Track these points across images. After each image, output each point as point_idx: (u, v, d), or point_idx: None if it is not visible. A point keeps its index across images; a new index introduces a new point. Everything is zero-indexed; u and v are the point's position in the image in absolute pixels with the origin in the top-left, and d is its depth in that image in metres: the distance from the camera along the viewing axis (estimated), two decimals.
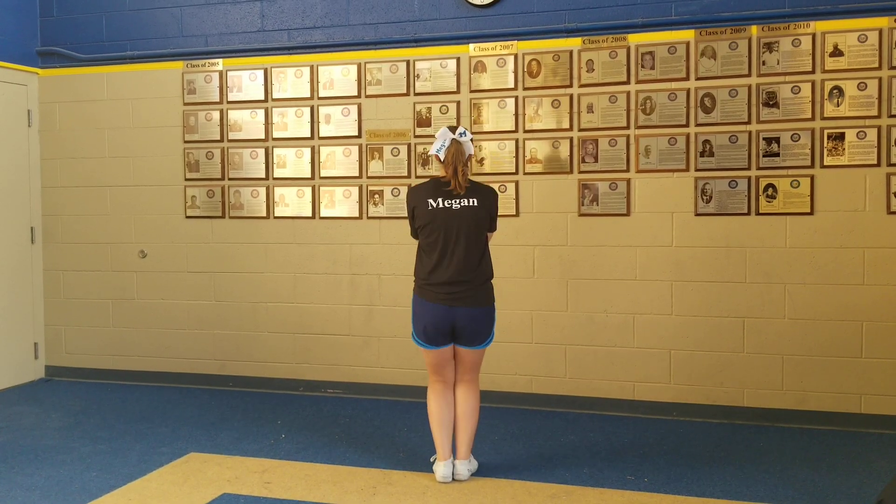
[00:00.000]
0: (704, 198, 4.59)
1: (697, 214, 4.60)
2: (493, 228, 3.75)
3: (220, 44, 5.40)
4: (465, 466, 3.70)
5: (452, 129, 3.66)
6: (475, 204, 3.62)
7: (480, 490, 3.55)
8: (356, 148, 5.15)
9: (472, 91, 4.94)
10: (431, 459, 3.88)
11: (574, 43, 4.77)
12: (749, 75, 4.51)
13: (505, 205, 4.85)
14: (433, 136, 3.74)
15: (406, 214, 3.82)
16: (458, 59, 4.95)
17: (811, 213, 4.43)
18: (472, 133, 4.89)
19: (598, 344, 4.78)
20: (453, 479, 3.67)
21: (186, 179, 5.48)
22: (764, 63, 4.48)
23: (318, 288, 5.25)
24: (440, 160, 3.66)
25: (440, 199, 3.62)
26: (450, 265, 3.60)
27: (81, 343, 5.74)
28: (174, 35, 5.48)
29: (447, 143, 3.62)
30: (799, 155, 4.44)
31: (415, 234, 3.76)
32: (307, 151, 5.24)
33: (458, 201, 3.61)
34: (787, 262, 4.47)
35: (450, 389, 3.77)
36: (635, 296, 4.71)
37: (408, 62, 5.04)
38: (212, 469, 3.85)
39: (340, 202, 5.19)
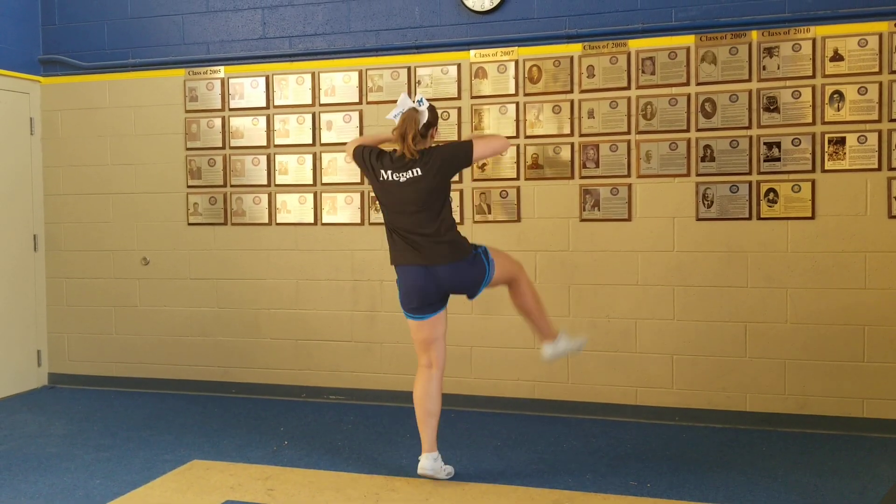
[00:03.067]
0: (706, 202, 4.59)
1: (699, 219, 4.61)
2: (468, 158, 3.64)
3: (221, 51, 5.42)
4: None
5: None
6: (419, 174, 3.59)
7: (483, 496, 3.55)
8: None
9: (473, 97, 4.95)
10: None
11: (574, 49, 4.78)
12: (749, 80, 4.52)
13: (507, 210, 4.86)
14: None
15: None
16: (459, 66, 4.96)
17: (812, 218, 4.44)
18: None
19: (600, 349, 4.77)
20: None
21: (188, 186, 5.49)
22: (764, 68, 4.48)
23: (321, 294, 5.26)
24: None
25: (390, 172, 3.64)
26: (406, 231, 3.65)
27: (84, 350, 5.75)
28: (176, 43, 5.50)
29: (404, 110, 3.64)
30: (800, 159, 4.44)
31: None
32: (309, 158, 5.25)
33: (404, 173, 3.61)
34: (789, 267, 4.48)
35: (433, 378, 3.76)
36: (637, 301, 4.71)
37: (409, 69, 5.06)
38: (215, 476, 3.85)
39: (342, 208, 5.20)
